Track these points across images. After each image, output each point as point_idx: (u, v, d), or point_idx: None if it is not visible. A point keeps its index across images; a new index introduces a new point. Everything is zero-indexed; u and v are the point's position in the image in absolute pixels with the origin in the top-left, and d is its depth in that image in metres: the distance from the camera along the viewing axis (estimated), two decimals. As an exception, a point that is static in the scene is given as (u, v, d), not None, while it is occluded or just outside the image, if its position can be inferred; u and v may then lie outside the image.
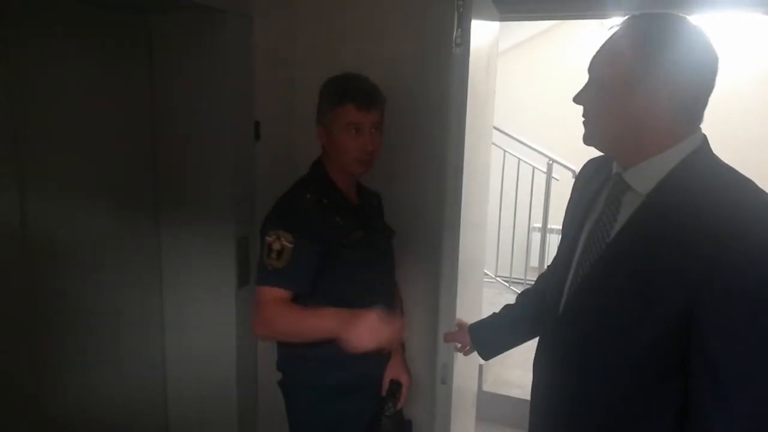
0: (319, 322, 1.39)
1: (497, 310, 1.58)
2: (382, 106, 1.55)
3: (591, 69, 1.04)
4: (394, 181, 1.69)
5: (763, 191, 0.93)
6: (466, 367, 2.19)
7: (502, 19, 2.28)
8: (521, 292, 1.55)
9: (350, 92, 1.49)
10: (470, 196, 2.02)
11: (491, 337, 1.56)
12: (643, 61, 0.95)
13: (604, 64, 1.01)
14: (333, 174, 1.58)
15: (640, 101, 0.97)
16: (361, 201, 1.67)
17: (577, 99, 1.07)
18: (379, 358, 1.63)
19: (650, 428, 1.00)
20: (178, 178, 1.88)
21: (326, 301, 1.43)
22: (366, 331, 1.32)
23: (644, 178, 1.01)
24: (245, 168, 1.86)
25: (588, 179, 1.22)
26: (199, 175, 1.84)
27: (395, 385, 1.67)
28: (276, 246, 1.42)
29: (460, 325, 1.69)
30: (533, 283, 1.53)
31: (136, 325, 1.89)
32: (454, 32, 1.71)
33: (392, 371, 1.68)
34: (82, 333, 1.67)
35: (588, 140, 1.07)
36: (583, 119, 1.07)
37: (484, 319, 1.59)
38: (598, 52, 1.03)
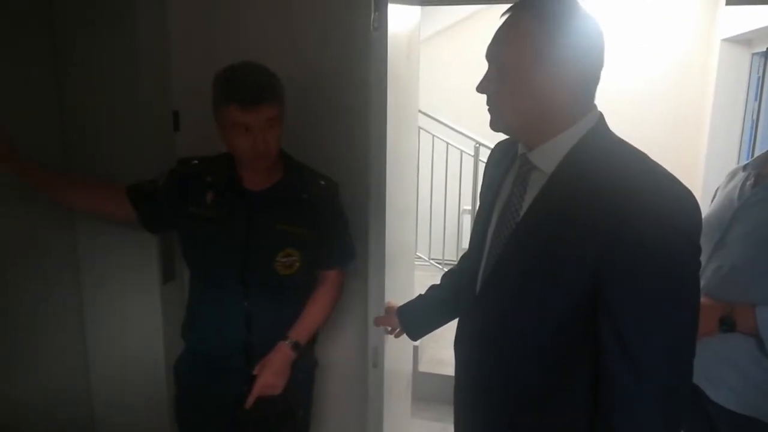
0: None
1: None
2: (277, 101, 1.43)
3: (490, 55, 1.05)
4: (317, 166, 1.67)
5: (656, 164, 0.97)
6: (400, 349, 2.22)
7: (422, 4, 2.30)
8: (445, 273, 1.58)
9: (233, 91, 1.38)
10: (396, 180, 2.03)
11: (418, 318, 1.58)
12: (548, 38, 0.97)
13: (506, 46, 1.02)
14: (238, 161, 1.53)
15: (545, 81, 0.99)
16: (274, 189, 1.55)
17: (480, 88, 1.08)
18: (228, 333, 1.58)
19: (567, 399, 1.05)
20: (93, 170, 1.79)
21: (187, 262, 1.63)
22: None
23: (548, 157, 1.04)
24: (165, 160, 1.79)
25: (497, 162, 1.25)
26: (116, 167, 1.76)
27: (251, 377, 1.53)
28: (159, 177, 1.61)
29: (390, 309, 1.70)
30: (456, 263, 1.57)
31: (53, 326, 1.80)
32: (371, 16, 1.71)
33: (260, 366, 1.54)
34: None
35: (495, 126, 1.09)
36: (487, 107, 1.08)
37: (410, 301, 1.62)
38: (495, 37, 1.04)
